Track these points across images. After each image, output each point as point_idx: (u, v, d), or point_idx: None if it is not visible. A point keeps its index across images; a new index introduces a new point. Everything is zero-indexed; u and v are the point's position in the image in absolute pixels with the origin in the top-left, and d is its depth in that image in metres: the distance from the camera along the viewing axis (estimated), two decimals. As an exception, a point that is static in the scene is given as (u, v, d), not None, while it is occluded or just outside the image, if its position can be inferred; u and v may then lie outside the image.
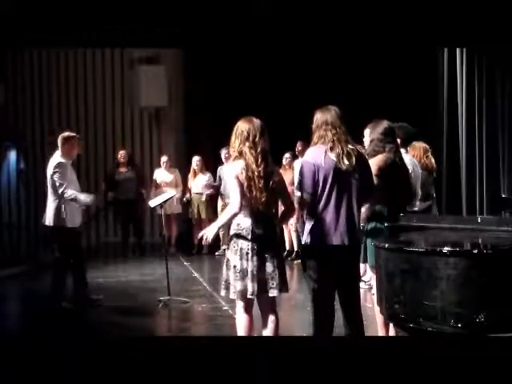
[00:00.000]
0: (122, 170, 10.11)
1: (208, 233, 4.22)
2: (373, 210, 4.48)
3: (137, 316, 6.27)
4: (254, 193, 4.05)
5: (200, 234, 4.32)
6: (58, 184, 6.24)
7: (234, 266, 4.11)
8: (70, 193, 6.23)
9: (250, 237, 4.08)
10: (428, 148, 6.33)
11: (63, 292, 6.44)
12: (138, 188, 10.11)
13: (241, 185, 4.07)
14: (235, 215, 4.11)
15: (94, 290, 6.79)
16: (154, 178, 10.26)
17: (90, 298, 6.54)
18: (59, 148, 6.39)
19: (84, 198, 6.35)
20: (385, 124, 4.70)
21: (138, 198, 10.09)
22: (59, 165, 6.28)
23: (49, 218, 6.32)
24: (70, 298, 6.52)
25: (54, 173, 6.26)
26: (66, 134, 6.54)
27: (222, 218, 4.28)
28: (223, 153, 9.31)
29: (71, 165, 6.53)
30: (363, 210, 4.28)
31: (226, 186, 4.37)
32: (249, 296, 4.11)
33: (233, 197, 4.11)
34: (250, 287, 4.07)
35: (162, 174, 10.18)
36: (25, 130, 11.64)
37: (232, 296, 4.17)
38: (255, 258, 4.06)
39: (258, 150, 4.09)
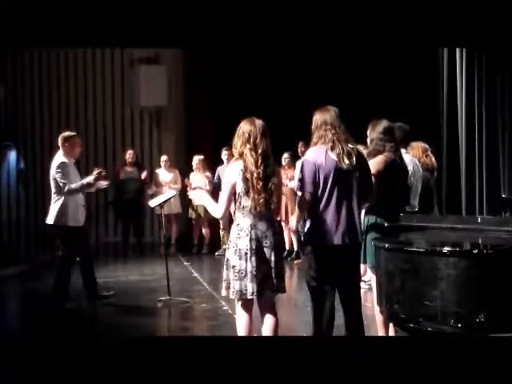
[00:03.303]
0: (128, 169, 10.14)
1: (196, 196, 4.64)
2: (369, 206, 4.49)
3: (137, 316, 6.27)
4: (252, 194, 4.06)
5: (190, 192, 4.63)
6: (61, 184, 6.31)
7: (233, 266, 4.12)
8: (74, 186, 6.32)
9: (248, 237, 4.08)
10: (427, 147, 6.33)
11: (67, 292, 6.45)
12: (142, 188, 10.12)
13: (232, 193, 4.12)
14: (218, 219, 4.27)
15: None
16: (154, 177, 10.27)
17: (100, 295, 6.59)
18: (60, 148, 6.45)
19: (88, 180, 6.40)
20: (384, 123, 4.71)
21: (141, 198, 10.10)
22: (61, 165, 6.34)
23: (51, 217, 6.36)
24: (74, 297, 6.53)
25: (57, 172, 6.33)
26: (66, 133, 6.60)
27: (210, 205, 4.35)
28: (224, 153, 9.32)
29: (74, 164, 6.60)
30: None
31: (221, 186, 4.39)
32: (249, 296, 4.10)
33: (220, 204, 4.21)
34: (250, 287, 4.07)
35: (161, 174, 10.19)
36: (25, 130, 11.65)
37: (232, 296, 4.17)
38: (254, 259, 4.07)
39: (259, 151, 4.10)
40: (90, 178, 6.41)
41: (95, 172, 6.50)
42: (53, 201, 6.41)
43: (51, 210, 6.38)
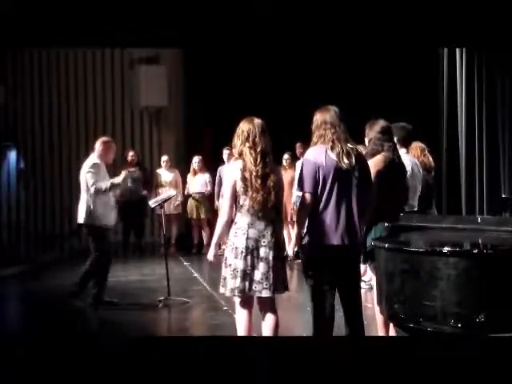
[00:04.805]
0: (130, 169, 10.11)
1: (209, 255, 4.30)
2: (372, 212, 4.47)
3: (137, 316, 6.27)
4: (250, 193, 4.07)
5: (208, 257, 4.34)
6: (90, 183, 6.37)
7: (230, 265, 4.15)
8: (100, 185, 6.37)
9: (245, 236, 4.09)
10: (425, 147, 6.34)
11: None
12: (144, 189, 10.09)
13: (234, 192, 4.12)
14: (226, 223, 4.18)
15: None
16: (154, 177, 10.27)
17: (104, 300, 6.56)
18: (95, 150, 6.57)
19: (116, 180, 6.49)
20: (382, 123, 4.71)
21: (142, 198, 10.07)
22: (94, 165, 6.45)
23: (81, 217, 6.46)
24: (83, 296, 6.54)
25: (88, 172, 6.41)
26: (104, 138, 6.76)
27: (216, 232, 4.29)
28: (225, 152, 9.33)
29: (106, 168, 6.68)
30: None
31: (223, 187, 4.40)
32: (236, 294, 4.14)
33: (223, 205, 4.21)
34: (241, 285, 4.11)
35: (162, 174, 10.19)
36: (25, 130, 11.64)
37: (227, 293, 4.21)
38: (249, 258, 4.09)
39: (258, 149, 4.12)
40: (118, 179, 6.50)
41: (123, 173, 6.64)
42: (82, 200, 6.48)
43: (80, 210, 6.48)
